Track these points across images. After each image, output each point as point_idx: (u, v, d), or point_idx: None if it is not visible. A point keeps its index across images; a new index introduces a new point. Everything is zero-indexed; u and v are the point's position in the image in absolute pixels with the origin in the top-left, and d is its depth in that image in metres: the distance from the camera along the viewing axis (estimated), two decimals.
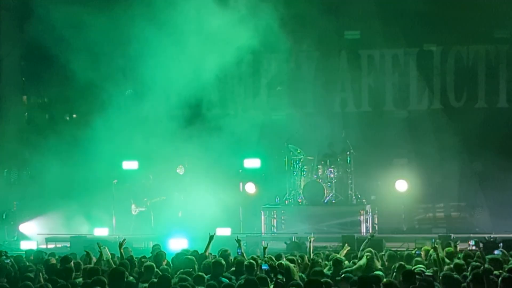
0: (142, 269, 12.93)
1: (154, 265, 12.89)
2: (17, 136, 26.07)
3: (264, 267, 12.68)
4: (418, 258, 14.51)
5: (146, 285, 11.78)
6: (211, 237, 15.27)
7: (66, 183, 23.92)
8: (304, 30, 25.03)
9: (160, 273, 12.27)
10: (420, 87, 25.65)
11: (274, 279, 11.84)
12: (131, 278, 12.28)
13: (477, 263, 12.65)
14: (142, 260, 14.12)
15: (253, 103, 26.49)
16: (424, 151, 24.86)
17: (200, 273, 12.30)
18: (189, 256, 13.73)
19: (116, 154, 23.72)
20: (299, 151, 24.09)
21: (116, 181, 23.99)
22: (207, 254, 14.89)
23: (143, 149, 23.70)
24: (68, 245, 21.73)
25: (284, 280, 11.82)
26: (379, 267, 13.68)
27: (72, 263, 13.87)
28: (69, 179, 23.93)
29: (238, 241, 15.33)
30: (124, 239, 14.97)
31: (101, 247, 14.59)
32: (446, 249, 15.60)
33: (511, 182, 23.14)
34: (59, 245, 22.53)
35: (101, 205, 24.10)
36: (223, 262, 12.98)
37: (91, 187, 23.73)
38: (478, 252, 15.90)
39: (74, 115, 26.99)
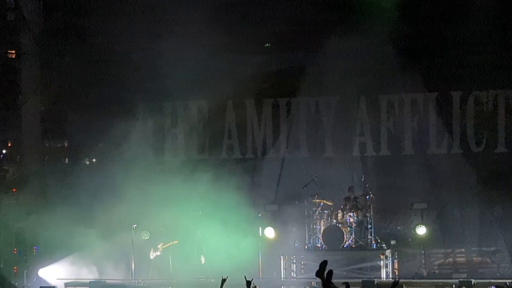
0: None
1: None
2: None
3: None
4: None
5: None
6: (223, 281, 15.20)
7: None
8: (324, 75, 25.17)
9: None
10: (439, 131, 25.61)
11: None
12: None
13: None
14: None
15: (273, 148, 26.49)
16: (444, 195, 24.75)
17: None
18: None
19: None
20: (317, 200, 24.08)
21: (135, 225, 23.96)
22: None
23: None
24: None
25: None
26: None
27: None
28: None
29: (248, 282, 15.23)
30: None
31: None
32: None
33: None
34: None
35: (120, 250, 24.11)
36: None
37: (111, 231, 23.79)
38: None
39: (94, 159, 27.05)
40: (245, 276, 14.46)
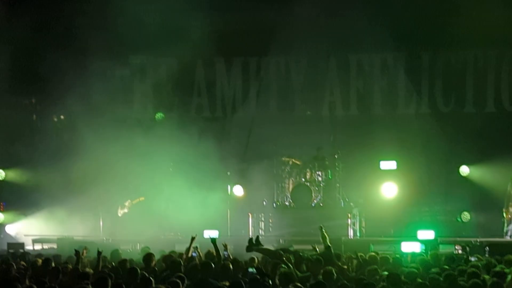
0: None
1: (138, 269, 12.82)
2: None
3: (251, 270, 12.68)
4: None
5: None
6: (193, 238, 15.27)
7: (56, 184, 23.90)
8: (294, 35, 25.11)
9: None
10: (408, 91, 25.71)
11: (261, 283, 11.80)
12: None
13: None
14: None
15: (243, 107, 26.50)
16: (411, 154, 24.90)
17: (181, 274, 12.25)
18: (174, 259, 13.72)
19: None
20: (287, 159, 24.14)
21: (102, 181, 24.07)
22: (189, 255, 14.90)
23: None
24: (55, 246, 21.69)
25: (271, 283, 11.79)
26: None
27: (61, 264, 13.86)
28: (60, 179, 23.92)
29: (225, 245, 15.39)
30: (86, 247, 14.86)
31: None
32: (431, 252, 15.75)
33: (498, 186, 23.19)
34: (46, 247, 22.46)
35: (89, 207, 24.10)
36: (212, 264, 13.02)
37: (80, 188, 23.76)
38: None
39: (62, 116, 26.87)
40: (209, 235, 14.54)
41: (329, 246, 14.96)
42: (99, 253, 13.93)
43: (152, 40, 24.52)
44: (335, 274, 12.56)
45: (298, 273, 12.88)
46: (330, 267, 12.73)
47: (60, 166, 23.81)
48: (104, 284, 11.26)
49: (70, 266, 13.72)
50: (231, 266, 12.89)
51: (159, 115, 24.70)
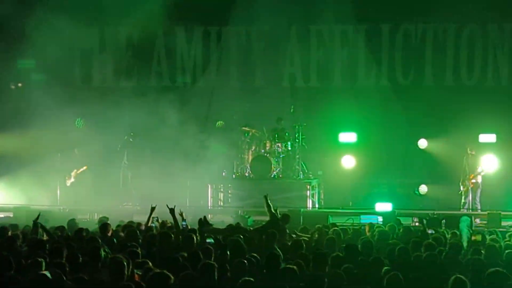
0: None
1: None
2: None
3: (209, 240, 12.69)
4: None
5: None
6: (153, 209, 15.24)
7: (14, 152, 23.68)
8: (255, 6, 25.01)
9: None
10: (368, 63, 25.78)
11: (217, 253, 11.81)
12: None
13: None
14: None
15: (203, 77, 26.40)
16: (371, 127, 25.00)
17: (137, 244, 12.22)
18: (132, 229, 13.68)
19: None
20: (247, 129, 24.11)
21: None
22: (148, 225, 14.89)
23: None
24: (11, 215, 21.51)
25: (229, 254, 11.79)
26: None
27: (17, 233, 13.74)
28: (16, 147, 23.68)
29: (181, 213, 15.34)
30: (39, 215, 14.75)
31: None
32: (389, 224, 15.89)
33: (455, 160, 23.39)
34: (1, 215, 22.27)
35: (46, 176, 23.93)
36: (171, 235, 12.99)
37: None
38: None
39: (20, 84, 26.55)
40: (167, 205, 14.50)
41: (274, 215, 15.05)
42: (36, 219, 13.86)
43: (112, 9, 24.22)
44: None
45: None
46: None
47: (17, 134, 23.56)
48: (59, 254, 11.19)
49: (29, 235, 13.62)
50: (195, 237, 12.82)
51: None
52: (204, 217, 14.93)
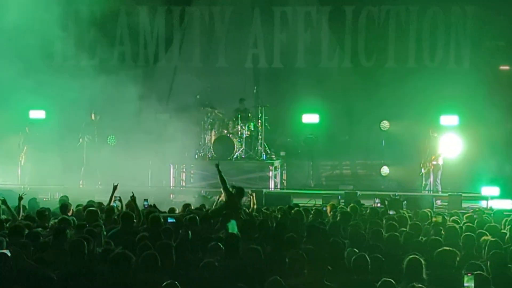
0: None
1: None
2: None
3: (170, 220, 12.67)
4: None
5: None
6: (115, 187, 15.16)
7: None
8: None
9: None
10: (331, 45, 25.80)
11: (179, 231, 11.81)
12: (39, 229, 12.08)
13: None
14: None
15: (165, 56, 26.27)
16: (333, 108, 25.07)
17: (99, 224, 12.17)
18: (92, 208, 13.60)
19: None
20: (209, 109, 24.05)
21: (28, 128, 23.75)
22: (110, 204, 14.82)
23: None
24: None
25: (190, 233, 11.79)
26: None
27: None
28: None
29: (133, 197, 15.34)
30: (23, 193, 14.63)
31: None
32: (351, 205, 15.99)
33: (417, 141, 23.55)
34: None
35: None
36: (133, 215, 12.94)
37: None
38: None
39: None
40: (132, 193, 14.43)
41: (229, 192, 15.06)
42: (20, 198, 13.76)
43: None
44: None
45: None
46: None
47: None
48: (19, 233, 11.11)
49: None
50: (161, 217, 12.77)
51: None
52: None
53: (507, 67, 25.20)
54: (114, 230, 12.27)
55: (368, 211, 15.73)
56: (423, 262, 9.34)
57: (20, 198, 13.92)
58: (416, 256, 9.45)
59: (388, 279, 8.71)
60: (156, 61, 26.20)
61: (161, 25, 25.94)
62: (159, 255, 9.51)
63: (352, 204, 16.25)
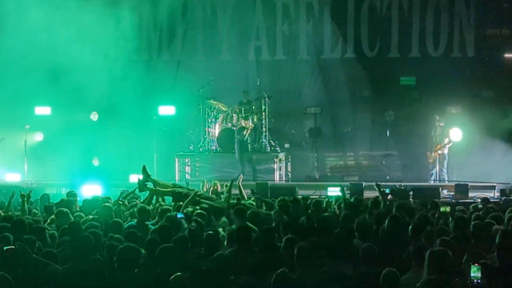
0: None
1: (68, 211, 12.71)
2: None
3: (179, 215, 12.65)
4: None
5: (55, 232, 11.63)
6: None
7: None
8: None
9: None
10: (334, 36, 25.74)
11: (188, 226, 11.81)
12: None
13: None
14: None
15: (168, 50, 26.23)
16: (337, 100, 25.04)
17: (116, 220, 12.17)
18: (107, 204, 13.61)
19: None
20: (213, 102, 24.02)
21: (28, 126, 23.65)
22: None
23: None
24: None
25: (199, 228, 11.79)
26: None
27: None
28: None
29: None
30: (30, 190, 14.59)
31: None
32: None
33: (422, 131, 23.51)
34: None
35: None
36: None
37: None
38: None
39: None
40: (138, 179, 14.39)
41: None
42: (22, 196, 13.72)
43: None
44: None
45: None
46: None
47: None
48: (22, 226, 11.15)
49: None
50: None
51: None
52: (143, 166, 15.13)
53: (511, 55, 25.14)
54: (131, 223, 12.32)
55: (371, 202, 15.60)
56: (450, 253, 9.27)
57: (23, 197, 13.80)
58: (441, 248, 9.40)
59: (392, 268, 8.76)
60: (159, 55, 26.16)
61: (163, 18, 25.87)
62: (174, 248, 9.51)
63: (356, 196, 16.25)
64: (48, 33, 23.69)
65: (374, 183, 15.31)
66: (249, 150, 23.64)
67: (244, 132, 23.47)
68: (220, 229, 12.04)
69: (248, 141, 23.66)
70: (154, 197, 15.07)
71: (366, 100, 25.20)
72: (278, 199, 14.81)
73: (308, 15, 25.83)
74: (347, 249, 10.37)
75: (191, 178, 23.52)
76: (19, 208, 13.89)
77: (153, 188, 15.44)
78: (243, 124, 23.65)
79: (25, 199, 13.71)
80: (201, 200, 14.17)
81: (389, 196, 16.48)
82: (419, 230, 11.65)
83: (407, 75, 24.46)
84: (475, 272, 8.81)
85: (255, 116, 23.92)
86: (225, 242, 11.10)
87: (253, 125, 23.87)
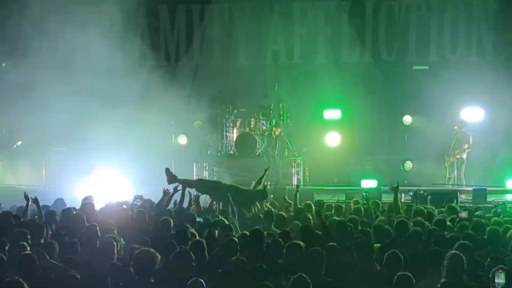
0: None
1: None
2: None
3: (198, 219, 12.69)
4: None
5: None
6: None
7: None
8: None
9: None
10: (352, 40, 25.71)
11: (207, 232, 11.83)
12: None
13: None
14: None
15: (186, 55, 26.29)
16: (355, 104, 25.00)
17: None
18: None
19: None
20: (230, 106, 24.05)
21: None
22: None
23: None
24: None
25: (217, 234, 11.80)
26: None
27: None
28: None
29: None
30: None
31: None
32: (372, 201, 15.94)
33: (440, 136, 23.43)
34: None
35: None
36: None
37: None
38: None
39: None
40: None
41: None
42: (27, 198, 13.76)
43: None
44: None
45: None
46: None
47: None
48: (40, 231, 11.21)
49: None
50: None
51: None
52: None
53: None
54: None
55: (388, 207, 15.57)
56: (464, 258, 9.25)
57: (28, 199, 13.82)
58: (457, 252, 9.40)
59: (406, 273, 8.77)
60: (177, 60, 26.23)
61: (181, 24, 25.95)
62: (192, 253, 9.55)
63: (373, 200, 16.23)
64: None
65: (390, 187, 15.16)
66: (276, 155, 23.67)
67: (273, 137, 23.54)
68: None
69: (277, 147, 23.72)
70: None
71: (384, 104, 25.10)
72: None
73: (326, 19, 25.82)
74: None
75: None
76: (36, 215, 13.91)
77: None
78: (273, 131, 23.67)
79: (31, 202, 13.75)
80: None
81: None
82: (436, 234, 11.65)
83: (425, 79, 24.37)
84: (500, 279, 8.80)
85: (273, 120, 23.92)
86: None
87: (271, 129, 23.84)
